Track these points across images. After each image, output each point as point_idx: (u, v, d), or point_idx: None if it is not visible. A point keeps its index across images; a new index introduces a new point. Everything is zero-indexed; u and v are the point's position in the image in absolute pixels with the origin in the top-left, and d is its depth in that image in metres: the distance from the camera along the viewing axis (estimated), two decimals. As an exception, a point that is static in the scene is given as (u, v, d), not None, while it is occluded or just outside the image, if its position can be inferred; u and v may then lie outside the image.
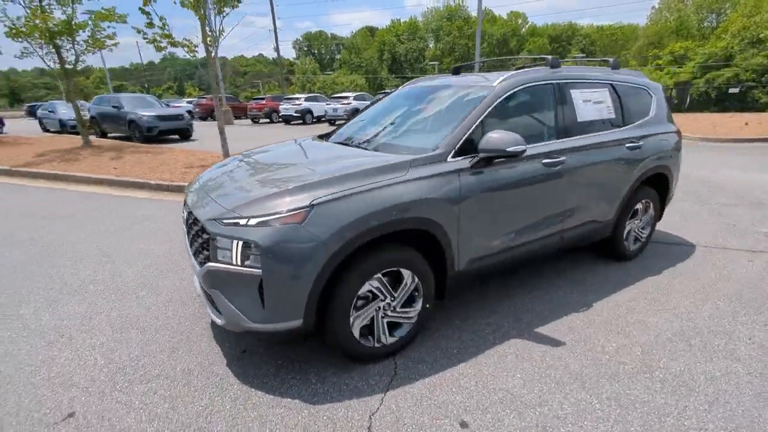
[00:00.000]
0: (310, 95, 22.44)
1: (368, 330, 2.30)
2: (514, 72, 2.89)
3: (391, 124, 3.07)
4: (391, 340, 2.36)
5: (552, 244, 3.01)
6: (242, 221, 1.98)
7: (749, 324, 2.69)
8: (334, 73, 64.56)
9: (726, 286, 3.21)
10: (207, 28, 7.28)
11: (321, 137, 3.40)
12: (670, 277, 3.39)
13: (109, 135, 14.77)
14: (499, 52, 57.90)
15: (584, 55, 37.03)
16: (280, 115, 20.62)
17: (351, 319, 2.16)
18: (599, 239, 3.44)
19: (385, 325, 2.32)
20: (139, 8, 6.74)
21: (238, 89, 69.15)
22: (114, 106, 14.01)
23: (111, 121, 14.32)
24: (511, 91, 2.71)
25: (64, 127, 16.79)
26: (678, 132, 3.80)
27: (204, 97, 27.04)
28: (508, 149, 2.32)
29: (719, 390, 2.11)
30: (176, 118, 13.93)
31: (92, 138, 12.11)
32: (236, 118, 23.62)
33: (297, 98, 20.82)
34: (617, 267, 3.58)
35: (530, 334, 2.63)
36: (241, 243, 1.95)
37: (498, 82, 2.73)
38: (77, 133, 15.41)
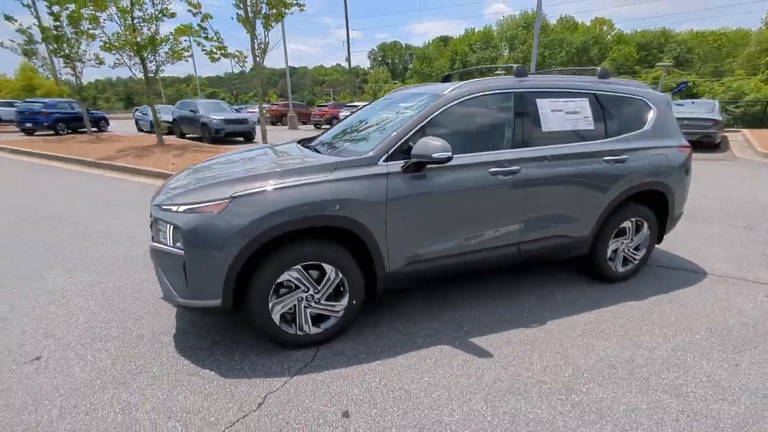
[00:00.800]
0: (369, 103, 23.16)
1: (292, 318, 2.47)
2: (473, 80, 2.90)
3: (355, 129, 3.22)
4: (315, 330, 2.50)
5: (507, 255, 2.93)
6: (174, 208, 2.27)
7: (718, 362, 2.40)
8: (405, 82, 65.68)
9: (718, 319, 2.87)
10: (255, 41, 7.97)
11: (300, 141, 3.64)
12: (654, 303, 3.10)
13: (186, 136, 16.58)
14: (578, 62, 54.74)
15: (671, 63, 33.67)
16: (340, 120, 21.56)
17: (270, 305, 2.34)
18: (575, 256, 3.26)
19: (308, 315, 2.47)
20: (198, 24, 7.61)
21: (316, 97, 73.16)
22: (191, 110, 15.75)
23: (188, 123, 16.09)
24: (462, 99, 2.73)
25: (153, 128, 19.16)
26: (684, 147, 3.46)
27: (275, 104, 29.07)
28: (433, 155, 2.36)
29: (633, 422, 1.95)
30: (241, 122, 15.25)
31: (170, 138, 13.74)
32: (302, 123, 25.11)
33: (356, 105, 21.61)
34: (600, 288, 3.34)
35: (462, 343, 2.60)
36: (172, 226, 2.23)
37: (450, 90, 2.76)
38: (164, 133, 17.50)
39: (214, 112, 15.45)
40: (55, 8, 11.54)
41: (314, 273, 2.43)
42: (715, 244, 4.36)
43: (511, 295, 3.24)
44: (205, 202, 2.22)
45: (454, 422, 1.95)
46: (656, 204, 3.42)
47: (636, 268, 3.50)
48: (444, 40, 76.90)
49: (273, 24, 7.96)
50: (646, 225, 3.38)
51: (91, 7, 9.85)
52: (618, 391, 2.17)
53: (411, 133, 2.55)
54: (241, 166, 2.72)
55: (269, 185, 2.27)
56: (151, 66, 11.18)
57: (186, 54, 11.64)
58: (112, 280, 3.45)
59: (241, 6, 7.16)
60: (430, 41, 79.57)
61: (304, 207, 2.26)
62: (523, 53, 58.13)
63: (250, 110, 28.32)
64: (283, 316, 2.42)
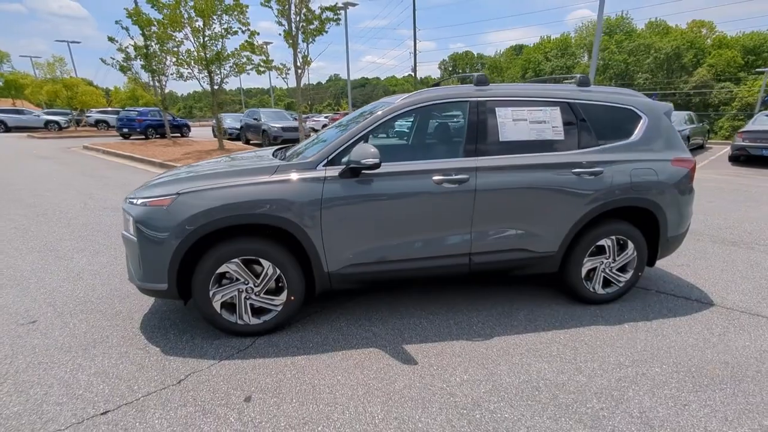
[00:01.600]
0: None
1: (234, 307, 2.68)
2: (427, 89, 2.91)
3: (320, 139, 3.37)
4: (255, 321, 2.69)
5: (458, 266, 2.88)
6: (135, 201, 2.60)
7: (663, 399, 2.16)
8: (473, 91, 64.77)
9: (694, 355, 2.55)
10: (299, 55, 8.55)
11: (279, 149, 3.76)
12: (627, 330, 2.83)
13: (250, 142, 18.03)
14: (667, 69, 49.77)
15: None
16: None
17: (211, 293, 2.58)
18: (543, 272, 3.09)
19: (248, 306, 2.66)
20: (246, 41, 8.35)
21: (385, 106, 74.94)
22: (254, 119, 17.11)
23: (252, 130, 17.48)
24: (409, 108, 2.77)
25: (225, 134, 21.09)
26: (683, 161, 3.12)
27: (338, 113, 30.35)
28: (362, 161, 2.44)
29: (524, 446, 1.85)
30: (296, 130, 16.22)
31: (235, 143, 15.07)
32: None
33: None
34: (575, 309, 3.12)
35: (393, 348, 2.62)
36: (131, 217, 2.57)
37: (401, 99, 2.81)
38: (232, 139, 19.18)
39: (275, 120, 16.62)
40: (147, 30, 13.35)
41: (257, 267, 2.62)
42: (741, 272, 3.82)
43: (475, 307, 3.15)
44: (157, 197, 2.52)
45: (341, 420, 2.00)
46: (645, 223, 3.12)
47: (621, 290, 3.21)
48: (517, 49, 74.57)
49: (313, 39, 8.49)
50: (631, 245, 3.09)
51: (169, 29, 11.24)
52: (527, 413, 2.05)
53: (352, 140, 2.65)
54: (205, 167, 3.01)
55: (211, 184, 2.52)
56: (217, 78, 12.40)
57: (248, 67, 12.73)
58: (123, 263, 3.96)
59: (283, 23, 7.77)
60: (502, 50, 77.66)
61: (240, 205, 2.47)
62: (604, 60, 54.31)
63: (315, 119, 29.90)
64: (225, 305, 2.64)
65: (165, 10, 11.57)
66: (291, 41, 8.13)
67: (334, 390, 2.22)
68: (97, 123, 27.68)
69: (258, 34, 8.51)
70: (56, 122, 26.28)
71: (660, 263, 4.05)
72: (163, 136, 20.06)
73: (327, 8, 8.31)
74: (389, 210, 2.68)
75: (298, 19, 8.02)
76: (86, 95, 24.25)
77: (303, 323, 2.92)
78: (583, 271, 3.08)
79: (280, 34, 8.70)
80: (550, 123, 2.92)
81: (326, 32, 8.74)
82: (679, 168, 3.09)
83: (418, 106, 2.79)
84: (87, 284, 3.50)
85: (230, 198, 2.47)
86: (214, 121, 24.66)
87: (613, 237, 3.05)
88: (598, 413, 2.05)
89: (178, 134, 21.63)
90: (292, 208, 2.52)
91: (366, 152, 2.44)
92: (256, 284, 2.63)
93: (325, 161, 2.62)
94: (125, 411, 2.04)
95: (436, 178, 2.69)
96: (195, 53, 11.51)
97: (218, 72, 12.40)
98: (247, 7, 10.05)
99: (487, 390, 2.23)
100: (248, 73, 12.92)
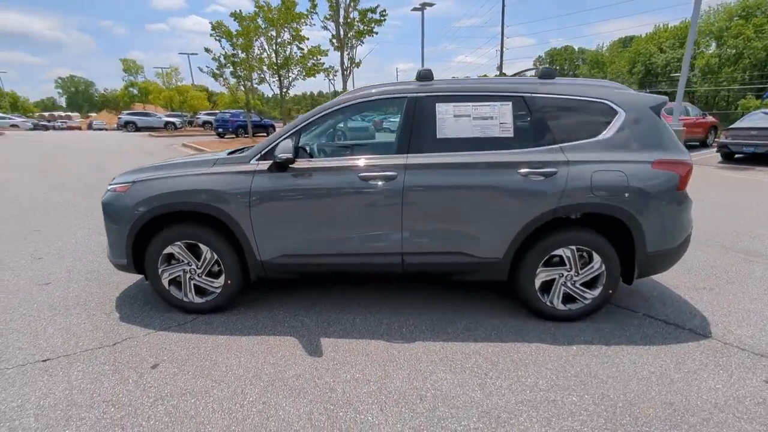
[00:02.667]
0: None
1: (180, 285, 2.97)
2: (365, 86, 2.89)
3: None
4: (198, 300, 2.96)
5: (390, 264, 2.82)
6: (109, 187, 3.04)
7: (556, 430, 1.90)
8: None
9: (640, 389, 2.17)
10: (346, 56, 8.89)
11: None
12: (573, 353, 2.50)
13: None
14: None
15: None
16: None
17: (160, 270, 2.90)
18: (491, 279, 2.87)
19: (192, 286, 2.93)
20: (313, 46, 8.94)
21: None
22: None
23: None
24: (343, 105, 2.78)
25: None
26: (669, 164, 2.64)
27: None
28: (278, 156, 2.54)
29: (363, 450, 1.79)
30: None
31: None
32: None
33: None
34: (529, 323, 2.83)
35: (310, 340, 2.67)
36: (102, 201, 3.01)
37: (341, 96, 2.84)
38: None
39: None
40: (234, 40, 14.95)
41: (198, 251, 2.88)
42: (750, 302, 3.09)
43: (420, 311, 3.05)
44: (119, 184, 2.91)
45: (215, 396, 2.12)
46: (619, 234, 2.72)
47: (588, 308, 2.82)
48: (626, 42, 67.06)
49: (362, 40, 8.76)
50: (597, 258, 2.71)
51: (242, 38, 12.49)
52: (392, 420, 1.97)
53: (284, 136, 2.76)
54: (174, 160, 3.37)
55: (160, 174, 2.84)
56: (286, 82, 13.40)
57: (309, 68, 13.57)
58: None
59: (330, 27, 8.20)
60: (606, 43, 70.48)
61: (177, 194, 2.74)
62: (736, 48, 46.25)
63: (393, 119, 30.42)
64: (174, 283, 2.95)
65: (245, 22, 12.84)
66: (338, 44, 8.50)
67: (230, 369, 2.36)
68: (204, 124, 31.70)
69: (307, 39, 9.11)
70: (173, 123, 30.69)
71: (674, 282, 3.47)
72: (253, 135, 22.22)
73: (369, 10, 8.52)
74: (316, 205, 2.73)
75: (345, 22, 8.38)
76: (194, 99, 27.91)
77: (248, 306, 3.11)
78: (537, 283, 2.79)
79: (332, 41, 9.15)
80: (498, 119, 2.70)
81: (375, 33, 8.95)
82: (661, 172, 2.63)
83: (351, 103, 2.79)
84: (103, 258, 4.14)
85: (169, 188, 2.76)
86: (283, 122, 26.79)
87: (573, 247, 2.71)
88: (467, 427, 1.89)
89: (264, 133, 23.74)
90: (224, 198, 2.72)
91: (284, 148, 2.54)
92: (198, 266, 2.89)
93: (258, 156, 2.77)
94: (60, 361, 2.42)
95: (362, 174, 2.67)
96: (266, 59, 12.58)
97: (287, 76, 13.38)
98: (308, 15, 10.75)
99: (369, 391, 2.17)
100: (314, 77, 13.74)
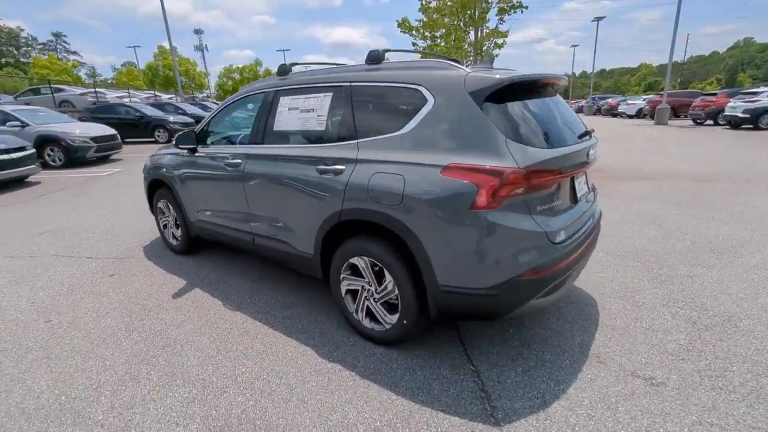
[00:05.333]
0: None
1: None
2: (254, 81, 3.22)
3: None
4: (173, 242, 4.16)
5: (246, 243, 3.18)
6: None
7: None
8: None
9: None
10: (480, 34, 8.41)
11: None
12: (328, 371, 2.29)
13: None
14: None
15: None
16: (723, 115, 15.47)
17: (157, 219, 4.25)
18: (312, 275, 2.79)
19: (171, 230, 4.15)
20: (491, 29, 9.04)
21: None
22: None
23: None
24: (239, 98, 3.26)
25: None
26: (462, 171, 1.89)
27: (675, 93, 22.93)
28: (179, 145, 3.34)
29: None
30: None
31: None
32: (678, 117, 19.79)
33: (756, 92, 14.48)
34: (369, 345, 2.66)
35: (226, 318, 2.98)
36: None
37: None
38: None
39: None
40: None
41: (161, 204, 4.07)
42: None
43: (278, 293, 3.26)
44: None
45: (111, 367, 2.62)
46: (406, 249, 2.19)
47: (390, 336, 2.39)
48: None
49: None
50: (389, 277, 2.26)
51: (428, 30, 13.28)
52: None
53: (204, 124, 3.51)
54: None
55: (160, 152, 4.10)
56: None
57: (496, 52, 13.07)
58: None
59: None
60: None
61: (155, 168, 3.96)
62: None
63: (630, 101, 24.95)
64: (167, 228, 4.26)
65: (434, 15, 13.54)
66: (476, 23, 8.07)
67: (137, 340, 3.09)
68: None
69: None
70: None
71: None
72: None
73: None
74: (205, 183, 3.40)
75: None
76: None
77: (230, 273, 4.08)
78: (343, 289, 2.57)
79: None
80: (317, 111, 2.59)
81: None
82: (450, 180, 1.93)
83: (239, 98, 3.24)
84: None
85: (155, 162, 4.01)
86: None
87: (366, 258, 2.36)
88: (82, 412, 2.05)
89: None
90: (169, 170, 3.76)
91: (185, 139, 3.34)
92: (169, 216, 4.08)
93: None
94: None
95: (226, 161, 3.13)
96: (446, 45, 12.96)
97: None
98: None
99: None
100: (497, 55, 13.18)
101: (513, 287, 1.94)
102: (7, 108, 10.42)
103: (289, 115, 2.76)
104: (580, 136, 2.35)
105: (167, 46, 31.30)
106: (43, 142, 9.79)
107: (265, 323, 2.80)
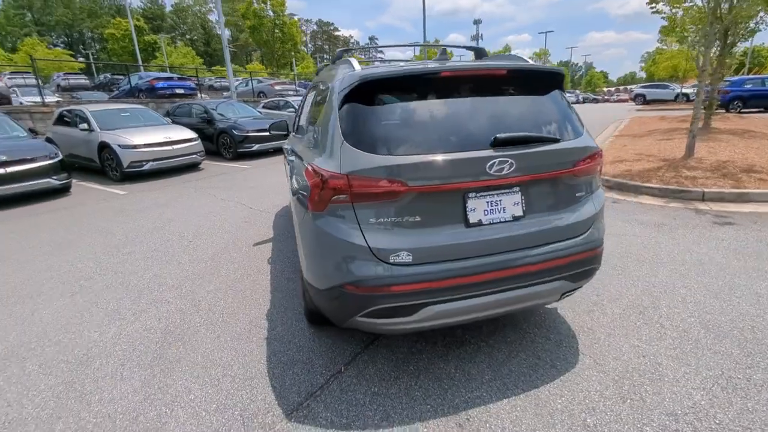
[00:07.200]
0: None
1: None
2: None
3: None
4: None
5: None
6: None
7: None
8: None
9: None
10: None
11: None
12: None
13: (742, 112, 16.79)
14: None
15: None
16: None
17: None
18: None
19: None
20: None
21: None
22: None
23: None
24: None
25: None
26: (308, 170, 2.13)
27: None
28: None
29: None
30: None
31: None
32: None
33: None
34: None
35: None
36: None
37: None
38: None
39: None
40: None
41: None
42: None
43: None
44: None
45: (102, 342, 2.73)
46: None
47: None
48: None
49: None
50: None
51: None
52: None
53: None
54: None
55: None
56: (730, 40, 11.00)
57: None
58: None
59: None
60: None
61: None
62: None
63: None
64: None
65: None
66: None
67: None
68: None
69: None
70: (686, 94, 26.11)
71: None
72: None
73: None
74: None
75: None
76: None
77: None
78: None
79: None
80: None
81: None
82: (305, 180, 2.13)
83: None
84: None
85: None
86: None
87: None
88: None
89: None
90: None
91: None
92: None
93: None
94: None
95: None
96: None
97: (733, 33, 10.71)
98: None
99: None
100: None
101: (339, 296, 1.90)
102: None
103: None
104: (498, 144, 1.83)
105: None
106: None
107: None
